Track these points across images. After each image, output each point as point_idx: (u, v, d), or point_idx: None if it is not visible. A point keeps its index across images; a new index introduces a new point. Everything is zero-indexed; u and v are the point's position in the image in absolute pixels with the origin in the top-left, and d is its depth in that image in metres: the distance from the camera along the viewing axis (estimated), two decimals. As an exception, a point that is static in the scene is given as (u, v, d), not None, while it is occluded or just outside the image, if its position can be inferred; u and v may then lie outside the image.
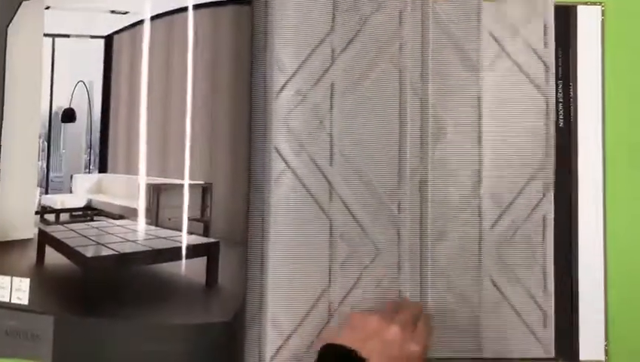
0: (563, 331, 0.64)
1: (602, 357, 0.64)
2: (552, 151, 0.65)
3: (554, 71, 0.65)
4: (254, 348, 0.62)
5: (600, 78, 0.66)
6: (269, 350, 0.62)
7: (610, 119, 0.66)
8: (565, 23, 0.66)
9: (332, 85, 0.64)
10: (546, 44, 0.65)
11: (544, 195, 0.64)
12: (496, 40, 0.65)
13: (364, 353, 0.53)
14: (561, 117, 0.66)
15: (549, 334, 0.63)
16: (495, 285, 0.63)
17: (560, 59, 0.66)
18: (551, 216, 0.64)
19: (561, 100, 0.66)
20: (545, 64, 0.65)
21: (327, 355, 0.54)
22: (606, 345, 0.64)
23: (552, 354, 0.63)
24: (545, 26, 0.65)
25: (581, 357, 0.64)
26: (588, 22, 0.67)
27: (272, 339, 0.62)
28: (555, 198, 0.65)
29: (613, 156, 0.66)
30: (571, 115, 0.66)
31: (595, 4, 0.67)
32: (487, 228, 0.64)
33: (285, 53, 0.64)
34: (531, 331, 0.63)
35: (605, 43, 0.66)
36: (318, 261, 0.63)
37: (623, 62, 0.66)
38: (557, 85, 0.66)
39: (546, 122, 0.65)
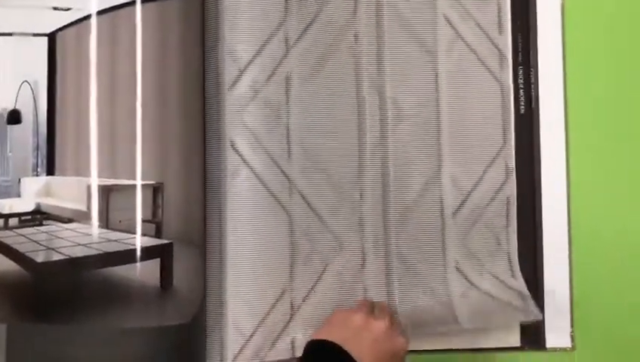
0: (529, 319, 0.63)
1: (568, 344, 0.64)
2: (511, 136, 0.64)
3: (510, 57, 0.64)
4: (216, 349, 0.60)
5: (561, 63, 0.65)
6: (230, 351, 0.60)
7: (571, 104, 0.65)
8: (525, 8, 0.65)
9: (287, 76, 0.62)
10: (500, 31, 0.64)
11: (505, 181, 0.63)
12: (451, 25, 0.64)
13: (353, 348, 0.52)
14: (522, 103, 0.65)
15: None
16: (461, 272, 0.62)
17: (520, 45, 0.65)
18: (513, 200, 0.63)
19: (522, 86, 0.65)
20: (499, 50, 0.64)
21: (315, 352, 0.53)
22: (572, 332, 0.64)
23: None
24: (499, 12, 0.64)
25: (547, 345, 0.63)
26: (548, 7, 0.66)
27: (233, 340, 0.60)
28: (517, 184, 0.64)
29: (576, 141, 0.65)
30: (532, 100, 0.65)
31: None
32: (449, 215, 0.63)
33: (238, 43, 0.62)
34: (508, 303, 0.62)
35: (565, 28, 0.66)
36: (278, 258, 0.61)
37: (584, 46, 0.66)
38: (517, 71, 0.65)
39: (502, 108, 0.64)
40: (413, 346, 0.60)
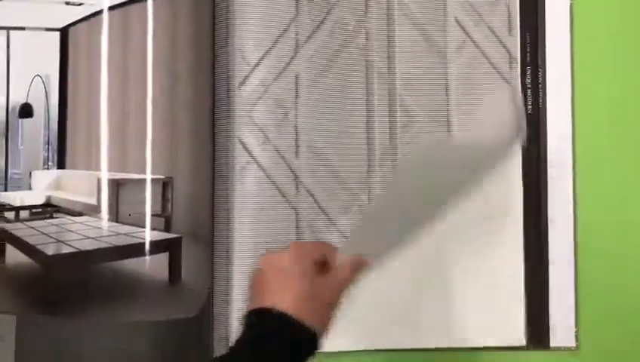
0: (534, 318, 0.63)
1: (573, 344, 0.64)
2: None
3: (519, 58, 0.65)
4: (222, 342, 0.61)
5: (569, 64, 0.65)
6: (236, 344, 0.61)
7: (579, 104, 0.65)
8: (534, 8, 0.65)
9: (297, 76, 0.63)
10: (510, 31, 0.65)
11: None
12: (461, 26, 0.64)
13: (266, 298, 0.44)
14: (529, 103, 0.65)
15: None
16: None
17: (528, 45, 0.65)
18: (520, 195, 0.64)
19: (529, 86, 0.65)
20: (508, 51, 0.64)
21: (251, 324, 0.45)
22: (576, 332, 0.64)
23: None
24: (509, 13, 0.64)
25: (552, 344, 0.64)
26: (557, 7, 0.66)
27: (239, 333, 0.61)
28: (524, 186, 0.64)
29: (583, 141, 0.65)
30: (540, 100, 0.65)
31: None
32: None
33: (248, 42, 0.62)
34: None
35: (574, 28, 0.66)
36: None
37: (593, 47, 0.66)
38: (525, 71, 0.65)
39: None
40: (423, 342, 0.61)
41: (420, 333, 0.62)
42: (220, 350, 0.60)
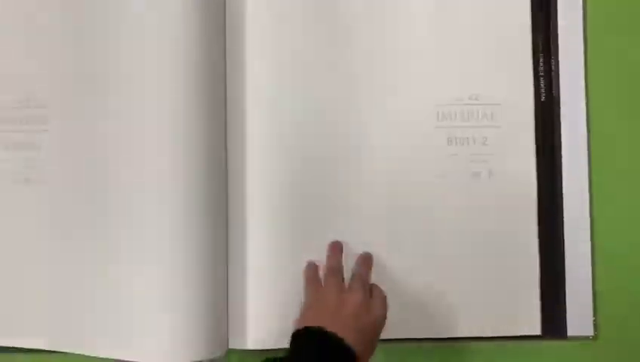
0: (549, 307, 0.63)
1: (590, 333, 0.63)
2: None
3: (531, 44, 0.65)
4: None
5: (582, 51, 0.65)
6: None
7: (593, 92, 0.65)
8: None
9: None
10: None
11: None
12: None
13: (336, 329, 0.52)
14: (542, 90, 0.65)
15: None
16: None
17: (541, 32, 0.65)
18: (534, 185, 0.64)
19: (542, 74, 0.65)
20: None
21: (300, 339, 0.53)
22: (594, 320, 0.63)
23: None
24: None
25: (569, 334, 0.63)
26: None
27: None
28: (538, 173, 0.64)
29: (598, 129, 0.64)
30: (553, 87, 0.65)
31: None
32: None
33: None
34: None
35: (587, 15, 0.65)
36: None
37: (606, 35, 0.65)
38: (538, 58, 0.65)
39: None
40: (436, 332, 0.61)
41: (433, 323, 0.62)
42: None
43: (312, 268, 0.61)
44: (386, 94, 0.63)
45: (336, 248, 0.61)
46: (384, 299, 0.57)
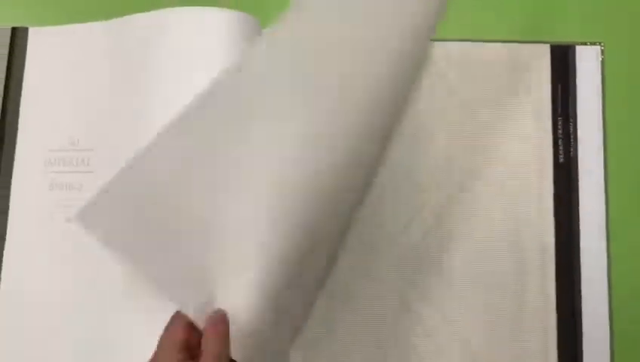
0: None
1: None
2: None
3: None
4: None
5: (600, 115, 0.68)
6: None
7: (612, 155, 0.67)
8: (564, 60, 0.69)
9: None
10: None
11: None
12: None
13: None
14: (561, 152, 0.67)
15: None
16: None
17: (560, 95, 0.68)
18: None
19: (561, 136, 0.68)
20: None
21: None
22: None
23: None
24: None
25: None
26: (587, 61, 0.69)
27: None
28: (556, 234, 0.66)
29: (616, 191, 0.66)
30: (571, 150, 0.67)
31: (594, 44, 0.69)
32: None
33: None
34: None
35: (606, 81, 0.68)
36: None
37: (624, 100, 0.68)
38: (557, 121, 0.68)
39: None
40: None
41: None
42: None
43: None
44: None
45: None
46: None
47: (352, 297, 0.63)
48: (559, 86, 0.68)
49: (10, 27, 0.68)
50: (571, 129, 0.68)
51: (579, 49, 0.69)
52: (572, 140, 0.67)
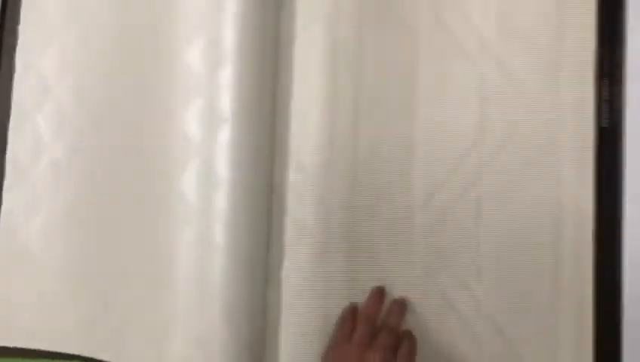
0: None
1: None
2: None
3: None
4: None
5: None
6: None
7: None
8: (613, 15, 0.63)
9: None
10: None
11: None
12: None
13: None
14: (605, 116, 0.63)
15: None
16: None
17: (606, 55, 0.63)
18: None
19: (606, 98, 0.63)
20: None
21: None
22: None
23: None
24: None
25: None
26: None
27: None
28: (599, 200, 0.62)
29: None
30: (614, 113, 0.63)
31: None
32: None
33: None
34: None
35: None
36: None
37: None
38: (602, 83, 0.63)
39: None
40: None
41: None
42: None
43: (349, 310, 0.59)
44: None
45: (377, 295, 0.59)
46: (410, 357, 0.55)
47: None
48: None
49: None
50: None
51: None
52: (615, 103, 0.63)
